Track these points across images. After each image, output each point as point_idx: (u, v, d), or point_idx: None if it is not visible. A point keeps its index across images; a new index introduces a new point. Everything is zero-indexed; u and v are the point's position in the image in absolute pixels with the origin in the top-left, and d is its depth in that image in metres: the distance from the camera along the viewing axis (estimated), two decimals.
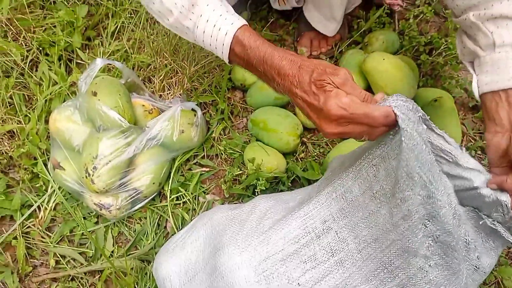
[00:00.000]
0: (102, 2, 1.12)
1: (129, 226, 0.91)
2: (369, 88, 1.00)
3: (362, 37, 1.12)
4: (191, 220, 0.85)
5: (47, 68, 1.03)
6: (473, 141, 0.99)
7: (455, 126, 0.94)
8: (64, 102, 0.97)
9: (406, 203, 0.53)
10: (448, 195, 0.56)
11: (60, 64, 1.05)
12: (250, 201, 0.79)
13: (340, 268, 0.61)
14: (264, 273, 0.65)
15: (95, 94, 0.87)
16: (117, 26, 1.10)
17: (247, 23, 0.60)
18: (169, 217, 0.90)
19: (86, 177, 0.84)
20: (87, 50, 1.10)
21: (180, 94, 1.03)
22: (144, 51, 1.07)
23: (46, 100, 1.00)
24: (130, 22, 1.10)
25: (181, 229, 0.86)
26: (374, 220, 0.60)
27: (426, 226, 0.56)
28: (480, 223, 0.64)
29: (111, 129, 0.86)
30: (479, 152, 0.97)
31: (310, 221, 0.65)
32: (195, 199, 0.93)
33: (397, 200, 0.54)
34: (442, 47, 1.08)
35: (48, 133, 0.95)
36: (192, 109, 0.94)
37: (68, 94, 1.01)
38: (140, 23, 1.09)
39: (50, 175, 0.92)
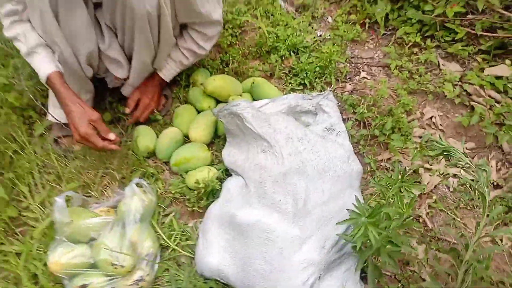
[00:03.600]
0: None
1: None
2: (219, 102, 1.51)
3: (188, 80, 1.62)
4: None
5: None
6: (286, 87, 1.62)
7: (273, 89, 1.55)
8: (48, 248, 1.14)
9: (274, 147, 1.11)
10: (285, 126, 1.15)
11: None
12: (222, 189, 1.20)
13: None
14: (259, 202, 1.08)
15: (71, 222, 1.12)
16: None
17: (59, 71, 1.18)
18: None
19: (115, 268, 1.07)
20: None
21: (117, 187, 1.33)
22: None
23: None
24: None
25: None
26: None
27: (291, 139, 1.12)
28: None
29: (103, 229, 1.12)
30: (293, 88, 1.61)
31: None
32: (184, 232, 1.26)
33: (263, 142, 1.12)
34: (236, 57, 1.68)
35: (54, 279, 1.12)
36: (136, 184, 1.26)
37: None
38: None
39: None
